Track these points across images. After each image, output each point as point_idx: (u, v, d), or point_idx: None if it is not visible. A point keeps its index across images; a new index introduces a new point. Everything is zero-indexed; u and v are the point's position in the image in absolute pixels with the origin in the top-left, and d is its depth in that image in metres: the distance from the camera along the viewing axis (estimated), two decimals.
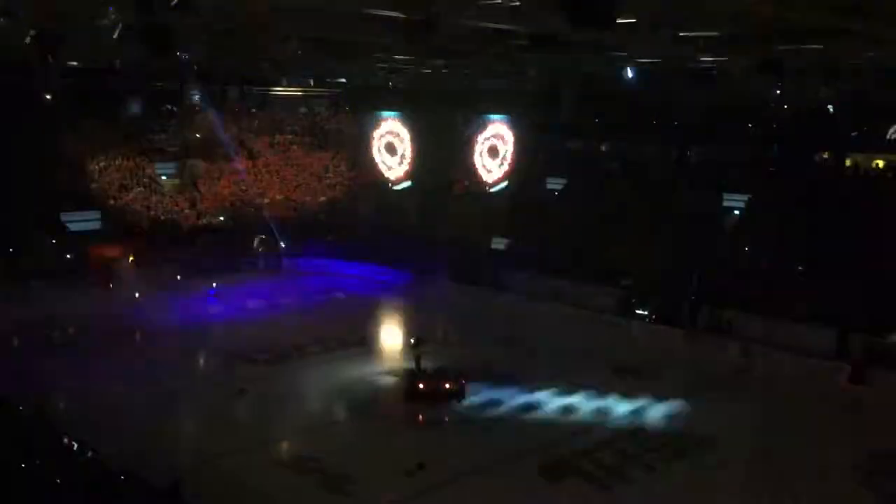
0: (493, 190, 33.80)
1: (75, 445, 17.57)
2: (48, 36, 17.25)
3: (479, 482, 18.45)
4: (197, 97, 44.37)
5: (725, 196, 34.64)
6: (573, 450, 20.10)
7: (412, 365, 24.66)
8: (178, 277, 37.71)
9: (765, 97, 35.15)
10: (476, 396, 23.27)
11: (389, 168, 36.03)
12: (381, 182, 35.61)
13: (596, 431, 21.55)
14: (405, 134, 35.14)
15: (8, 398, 19.81)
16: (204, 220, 43.65)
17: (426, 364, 24.33)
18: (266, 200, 45.55)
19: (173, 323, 31.35)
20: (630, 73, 24.28)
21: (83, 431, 18.04)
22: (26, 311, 30.47)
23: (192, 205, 44.38)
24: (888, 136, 36.88)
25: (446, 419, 22.16)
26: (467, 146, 26.39)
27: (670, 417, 22.68)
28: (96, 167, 42.61)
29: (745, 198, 34.00)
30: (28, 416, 19.01)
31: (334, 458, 19.17)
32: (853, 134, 37.80)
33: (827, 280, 28.24)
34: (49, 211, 37.42)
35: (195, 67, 36.22)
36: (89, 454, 17.07)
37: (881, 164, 36.86)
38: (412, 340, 26.93)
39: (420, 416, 22.27)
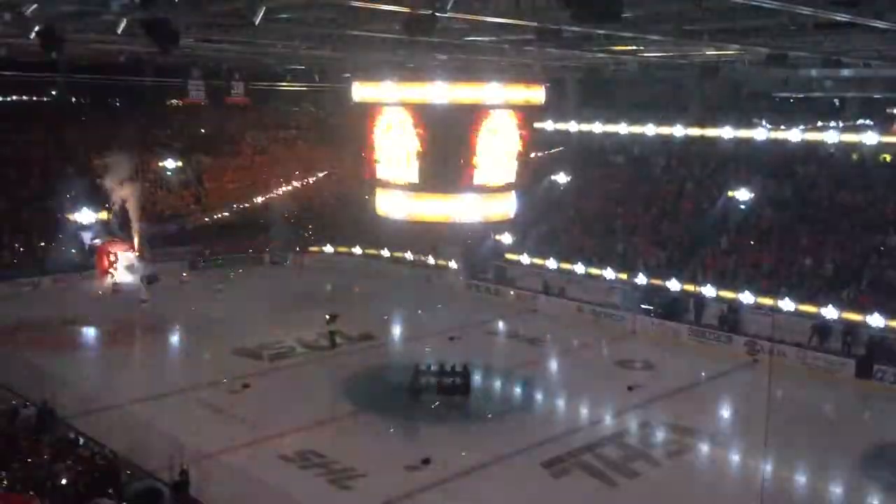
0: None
1: (81, 440, 17.66)
2: (53, 31, 17.26)
3: None
4: (202, 92, 44.36)
5: None
6: None
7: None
8: (185, 275, 37.80)
9: None
10: None
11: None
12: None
13: None
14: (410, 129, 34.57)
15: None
16: (209, 216, 43.66)
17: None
18: (271, 195, 45.56)
19: None
20: None
21: None
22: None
23: (197, 200, 44.44)
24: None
25: None
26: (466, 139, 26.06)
27: None
28: (102, 163, 42.68)
29: None
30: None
31: None
32: (856, 123, 37.61)
33: None
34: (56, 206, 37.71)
35: (200, 62, 36.29)
36: (95, 448, 17.14)
37: (888, 158, 36.60)
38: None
39: None
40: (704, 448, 20.45)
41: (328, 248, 41.68)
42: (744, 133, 36.82)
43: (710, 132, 38.06)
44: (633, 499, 17.93)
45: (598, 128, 42.29)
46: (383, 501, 17.52)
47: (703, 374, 26.32)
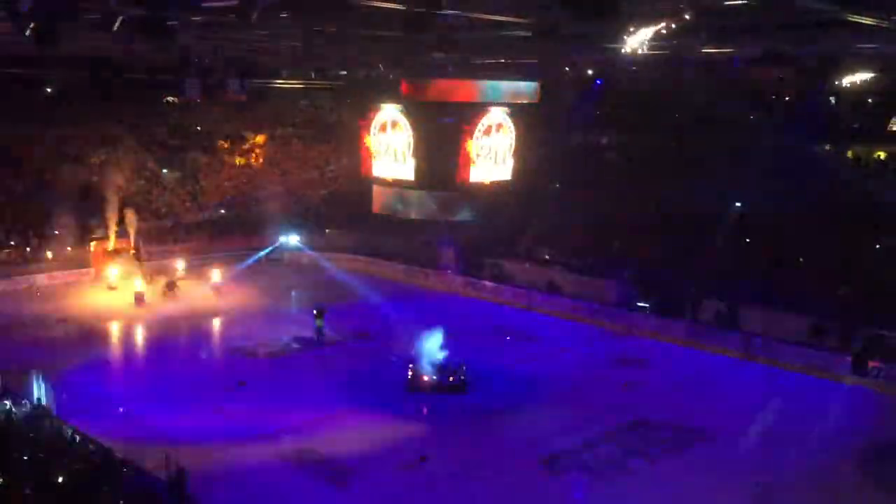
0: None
1: (77, 437, 17.62)
2: (48, 28, 17.17)
3: None
4: (197, 90, 44.17)
5: None
6: None
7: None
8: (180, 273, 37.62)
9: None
10: None
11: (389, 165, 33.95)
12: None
13: None
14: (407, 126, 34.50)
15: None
16: (205, 214, 43.60)
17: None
18: (266, 193, 45.48)
19: None
20: None
21: None
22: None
23: (194, 198, 44.37)
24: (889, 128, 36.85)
25: None
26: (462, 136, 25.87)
27: None
28: (97, 160, 42.59)
29: None
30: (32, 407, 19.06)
31: None
32: (854, 126, 37.73)
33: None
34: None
35: (195, 59, 36.07)
36: (91, 446, 17.11)
37: (883, 155, 36.78)
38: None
39: None
40: (702, 446, 20.44)
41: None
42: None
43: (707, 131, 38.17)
44: (630, 497, 17.93)
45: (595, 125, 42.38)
46: (381, 500, 17.54)
47: (699, 371, 26.36)
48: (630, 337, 29.70)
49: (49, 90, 45.88)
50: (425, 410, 21.92)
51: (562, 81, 40.40)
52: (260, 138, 49.35)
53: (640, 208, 36.27)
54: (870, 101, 37.38)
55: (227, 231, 41.88)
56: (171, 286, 33.76)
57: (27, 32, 17.14)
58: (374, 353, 27.22)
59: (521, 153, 35.81)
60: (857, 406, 23.55)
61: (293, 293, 34.89)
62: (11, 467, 15.21)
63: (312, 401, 23.20)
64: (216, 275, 36.06)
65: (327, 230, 42.74)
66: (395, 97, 26.88)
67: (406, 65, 29.56)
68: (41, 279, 35.51)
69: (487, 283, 35.74)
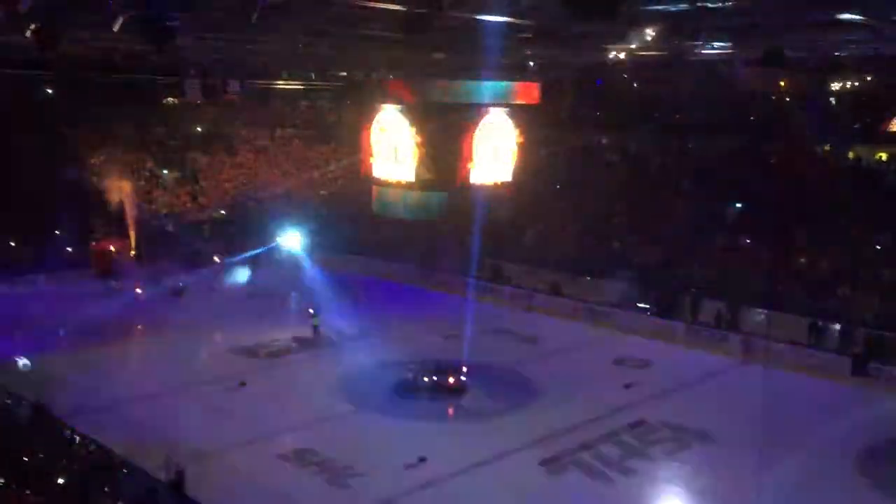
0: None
1: (77, 438, 17.64)
2: (48, 29, 17.20)
3: None
4: (198, 90, 44.22)
5: None
6: None
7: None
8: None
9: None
10: None
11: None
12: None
13: None
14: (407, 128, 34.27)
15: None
16: (205, 214, 43.59)
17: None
18: (266, 193, 45.47)
19: None
20: None
21: None
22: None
23: (194, 198, 44.35)
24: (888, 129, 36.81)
25: None
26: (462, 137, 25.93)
27: None
28: (97, 160, 42.56)
29: None
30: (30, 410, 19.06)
31: None
32: (855, 126, 37.66)
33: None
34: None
35: (196, 60, 36.16)
36: (91, 447, 17.12)
37: (884, 156, 36.73)
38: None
39: None
40: (701, 446, 20.44)
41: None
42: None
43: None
44: (630, 497, 17.94)
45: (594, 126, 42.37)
46: (381, 500, 17.54)
47: (699, 371, 26.34)
48: (630, 337, 29.69)
49: (49, 91, 45.98)
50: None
51: (562, 81, 40.54)
52: (260, 138, 49.33)
53: (640, 209, 36.33)
54: (870, 101, 37.32)
55: (227, 231, 41.83)
56: (175, 290, 33.64)
57: (27, 33, 17.18)
58: (373, 353, 27.19)
59: (521, 153, 35.77)
60: (857, 406, 23.54)
61: (292, 293, 34.83)
62: (11, 467, 15.20)
63: (312, 401, 23.22)
64: (216, 275, 36.07)
65: (327, 230, 42.64)
66: (395, 97, 26.86)
67: (406, 65, 29.61)
68: (41, 280, 35.43)
69: (487, 284, 35.70)
